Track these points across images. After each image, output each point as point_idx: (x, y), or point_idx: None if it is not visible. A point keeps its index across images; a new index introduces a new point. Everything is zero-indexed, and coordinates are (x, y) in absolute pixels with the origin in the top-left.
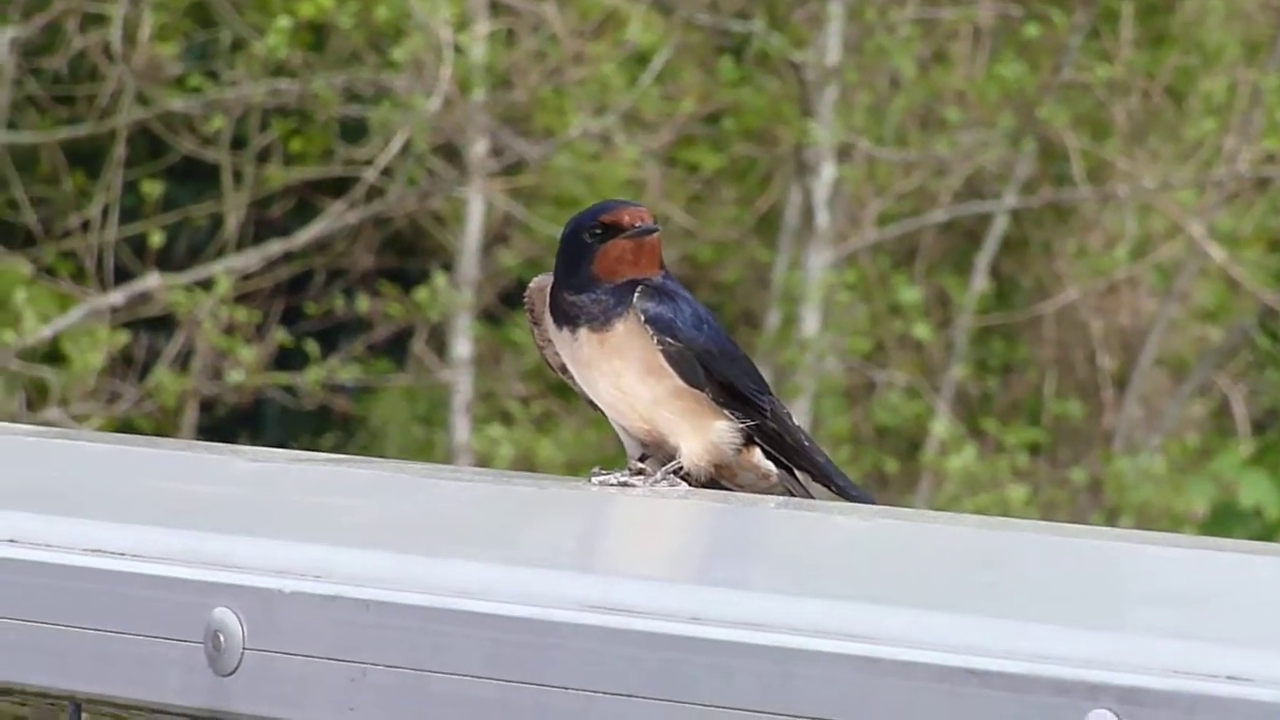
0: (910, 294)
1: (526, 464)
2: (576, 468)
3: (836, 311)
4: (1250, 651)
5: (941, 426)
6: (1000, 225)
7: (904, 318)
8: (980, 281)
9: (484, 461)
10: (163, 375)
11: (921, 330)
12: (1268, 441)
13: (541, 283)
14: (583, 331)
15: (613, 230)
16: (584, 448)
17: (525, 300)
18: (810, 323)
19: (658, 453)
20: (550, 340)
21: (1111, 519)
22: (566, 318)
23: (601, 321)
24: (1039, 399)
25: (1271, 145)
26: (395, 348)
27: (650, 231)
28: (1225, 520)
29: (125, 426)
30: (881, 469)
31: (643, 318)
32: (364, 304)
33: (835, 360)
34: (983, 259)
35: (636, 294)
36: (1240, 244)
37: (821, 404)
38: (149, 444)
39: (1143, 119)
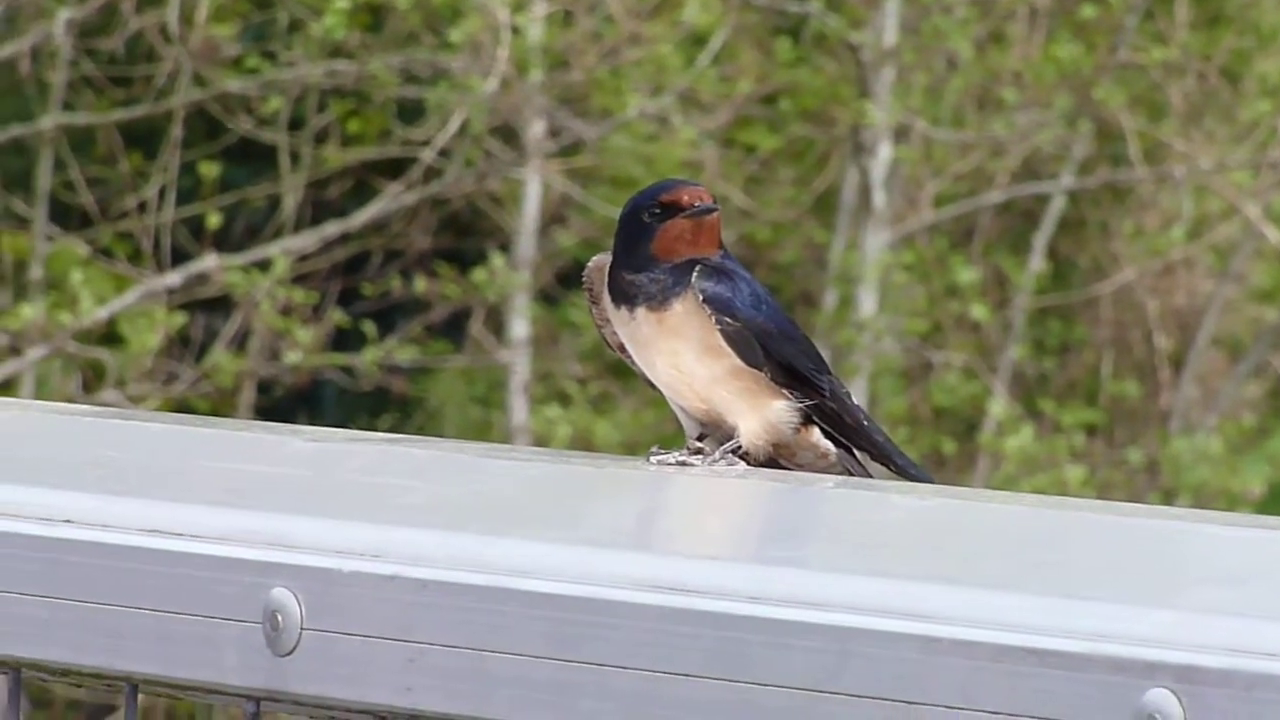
0: (967, 274)
1: (584, 444)
2: (634, 448)
3: (893, 292)
4: None
5: (999, 407)
6: (1057, 206)
7: (961, 298)
8: (1037, 262)
9: (541, 442)
10: (220, 356)
11: (979, 311)
12: None
13: (600, 262)
14: (640, 311)
15: (671, 209)
16: (641, 428)
17: (584, 279)
18: (867, 303)
19: (716, 432)
20: (608, 319)
21: (1168, 499)
22: (624, 297)
23: (659, 301)
24: (1096, 379)
25: None
26: (452, 329)
27: (709, 211)
28: None
29: (182, 407)
30: (939, 450)
31: (701, 297)
32: (421, 285)
33: (892, 341)
34: (1040, 239)
35: (695, 273)
36: None
37: (878, 384)
38: (206, 424)
39: (1198, 100)
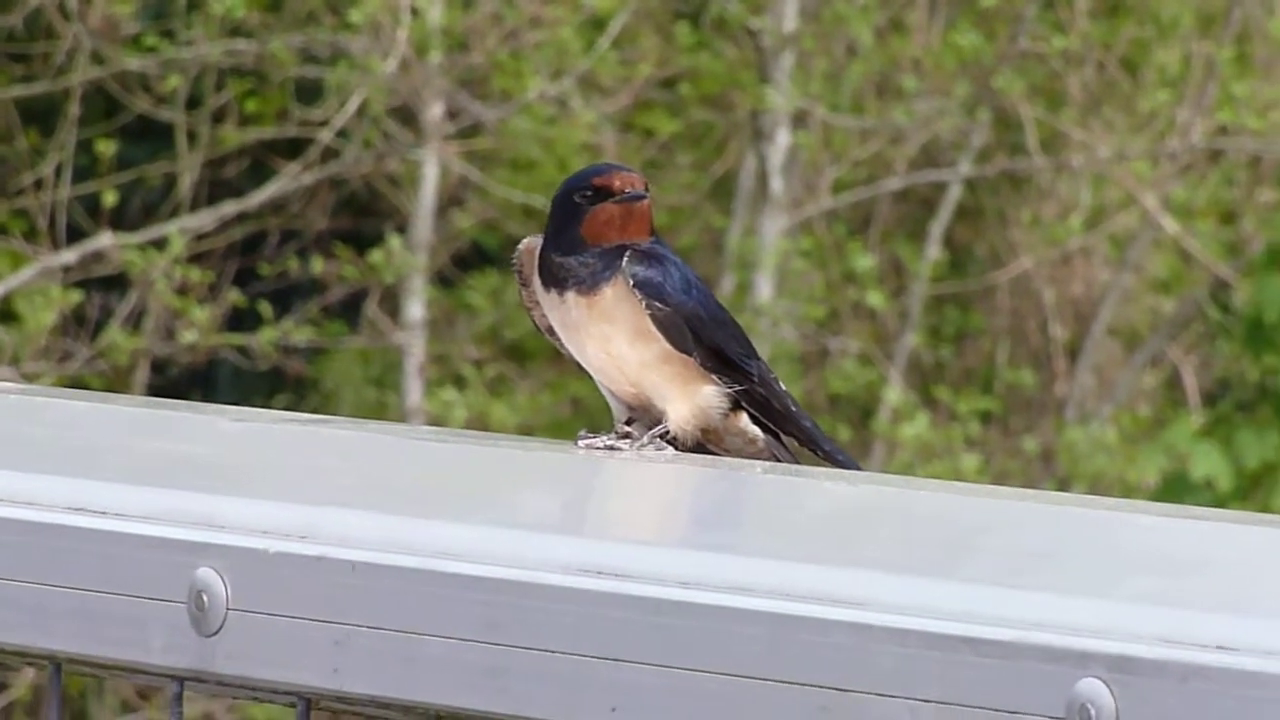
0: (864, 261)
1: (479, 427)
2: (529, 431)
3: (791, 278)
4: (1240, 620)
5: (895, 394)
6: (955, 194)
7: (858, 285)
8: (934, 250)
9: (437, 424)
10: (115, 334)
11: (875, 298)
12: (1219, 413)
13: (530, 244)
14: (570, 294)
15: (603, 193)
16: (537, 411)
17: (514, 261)
18: (764, 289)
19: (644, 416)
20: (538, 302)
21: (1063, 488)
22: (554, 280)
23: (590, 285)
24: (992, 368)
25: (1225, 117)
26: (349, 310)
27: (640, 198)
28: (1176, 492)
29: (77, 385)
30: (834, 437)
31: (631, 282)
32: (318, 265)
33: (789, 327)
34: (937, 227)
35: (625, 258)
36: (1193, 216)
37: (775, 370)
38: (133, 402)
39: (1098, 90)
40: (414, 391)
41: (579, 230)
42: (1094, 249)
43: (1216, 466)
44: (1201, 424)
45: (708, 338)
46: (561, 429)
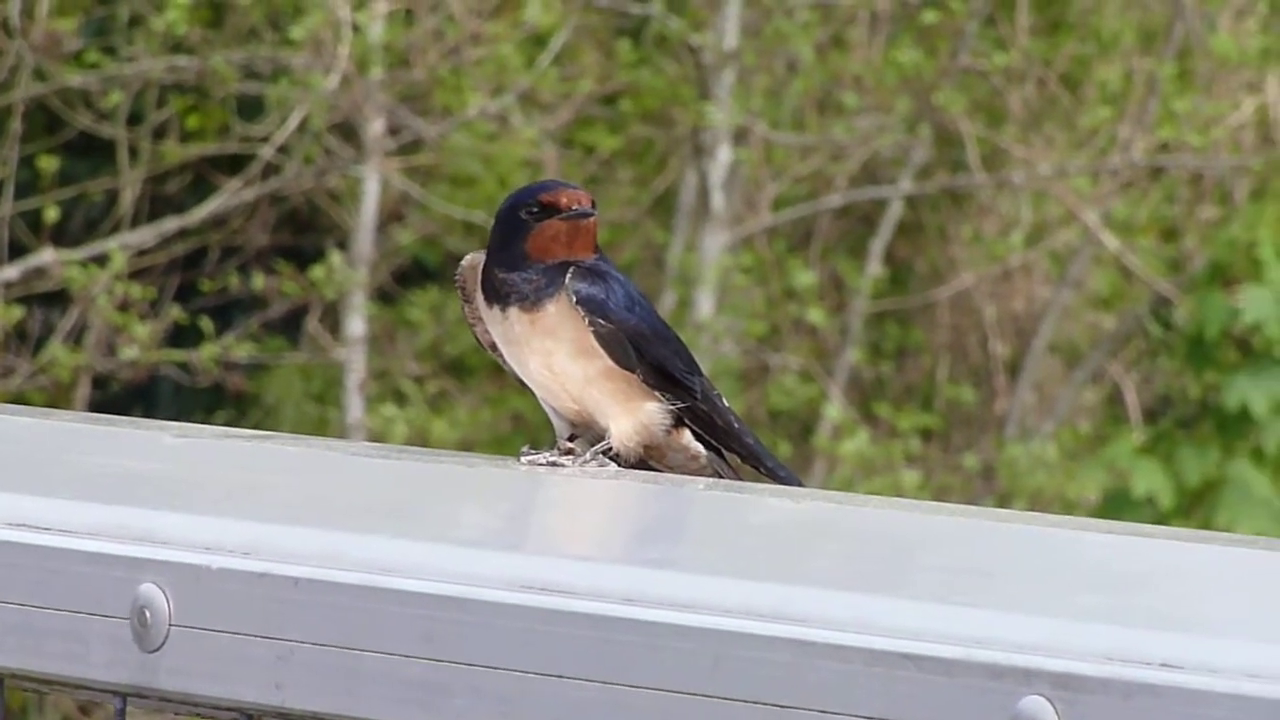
0: (805, 278)
1: (420, 443)
2: (470, 447)
3: (732, 294)
4: (1184, 638)
5: (835, 410)
6: (896, 210)
7: (799, 301)
8: (875, 266)
9: (378, 439)
10: (57, 350)
11: (816, 314)
12: (1160, 430)
13: (474, 260)
14: (514, 310)
15: (549, 210)
16: (478, 427)
17: (457, 277)
18: (705, 305)
19: (587, 433)
20: (480, 318)
21: (1003, 504)
22: (498, 296)
23: (533, 301)
24: (932, 384)
25: (1166, 134)
26: (290, 325)
27: (586, 215)
28: (1118, 508)
29: (18, 400)
30: (775, 452)
31: (574, 298)
32: (259, 281)
33: (730, 343)
34: (878, 244)
35: (569, 275)
36: (1134, 232)
37: (717, 386)
38: (75, 418)
39: (1038, 106)
40: (355, 407)
41: (524, 246)
42: (1035, 265)
43: (1158, 483)
44: (1143, 441)
45: (651, 354)
46: (503, 445)
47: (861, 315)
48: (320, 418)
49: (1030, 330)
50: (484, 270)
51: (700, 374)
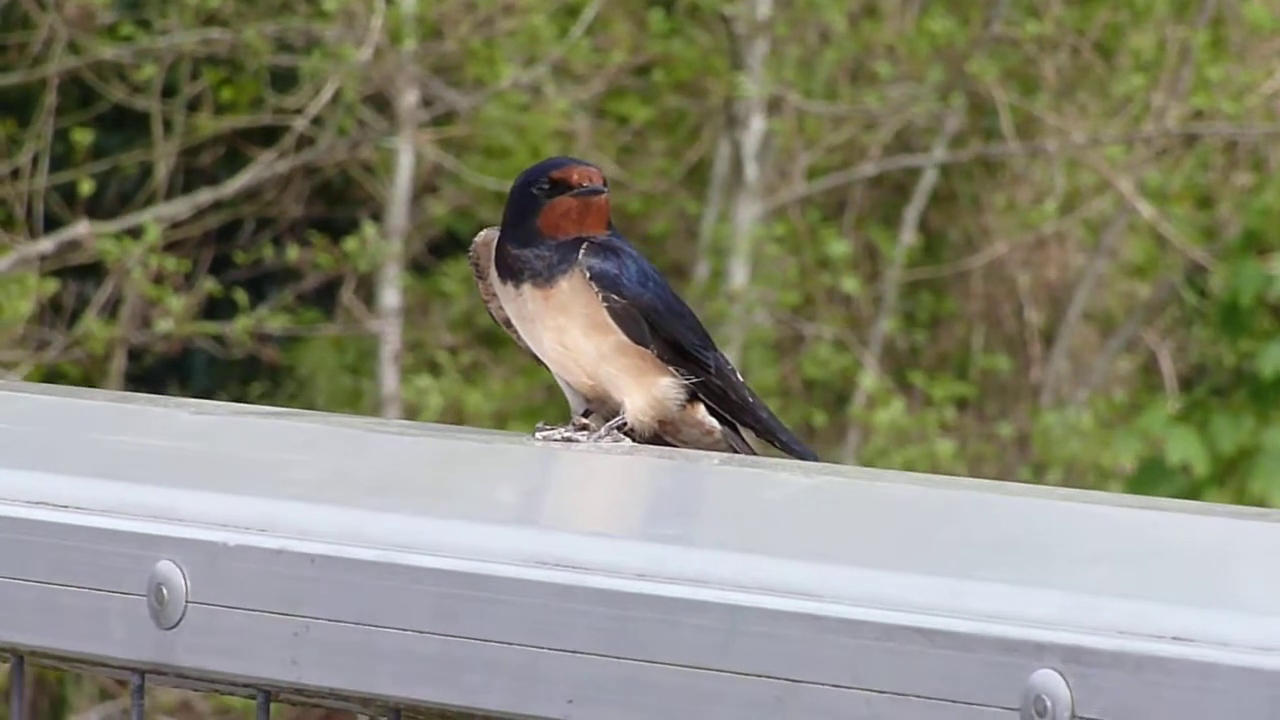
0: (839, 247)
1: (455, 414)
2: (504, 418)
3: (765, 264)
4: (1194, 611)
5: (869, 380)
6: (929, 179)
7: (832, 271)
8: (909, 235)
9: (412, 411)
10: (91, 323)
11: (850, 283)
12: (1194, 398)
13: (487, 236)
14: (527, 287)
15: (561, 186)
16: (512, 398)
17: (470, 254)
18: (739, 275)
19: (601, 408)
20: (494, 294)
21: (1038, 473)
22: (511, 272)
23: (546, 277)
24: (967, 353)
25: (1200, 102)
26: (324, 297)
27: (597, 192)
28: (1152, 476)
29: (53, 373)
30: (809, 422)
31: (588, 274)
32: (293, 253)
33: (764, 313)
34: (911, 213)
35: (582, 250)
36: (1168, 200)
37: (750, 356)
38: (94, 396)
39: (1072, 74)
40: (389, 379)
41: (536, 222)
42: (1069, 234)
43: (1192, 451)
44: (1177, 409)
45: (664, 330)
46: (536, 415)
47: (895, 284)
48: (354, 389)
49: (1065, 298)
50: (498, 247)
51: (714, 348)
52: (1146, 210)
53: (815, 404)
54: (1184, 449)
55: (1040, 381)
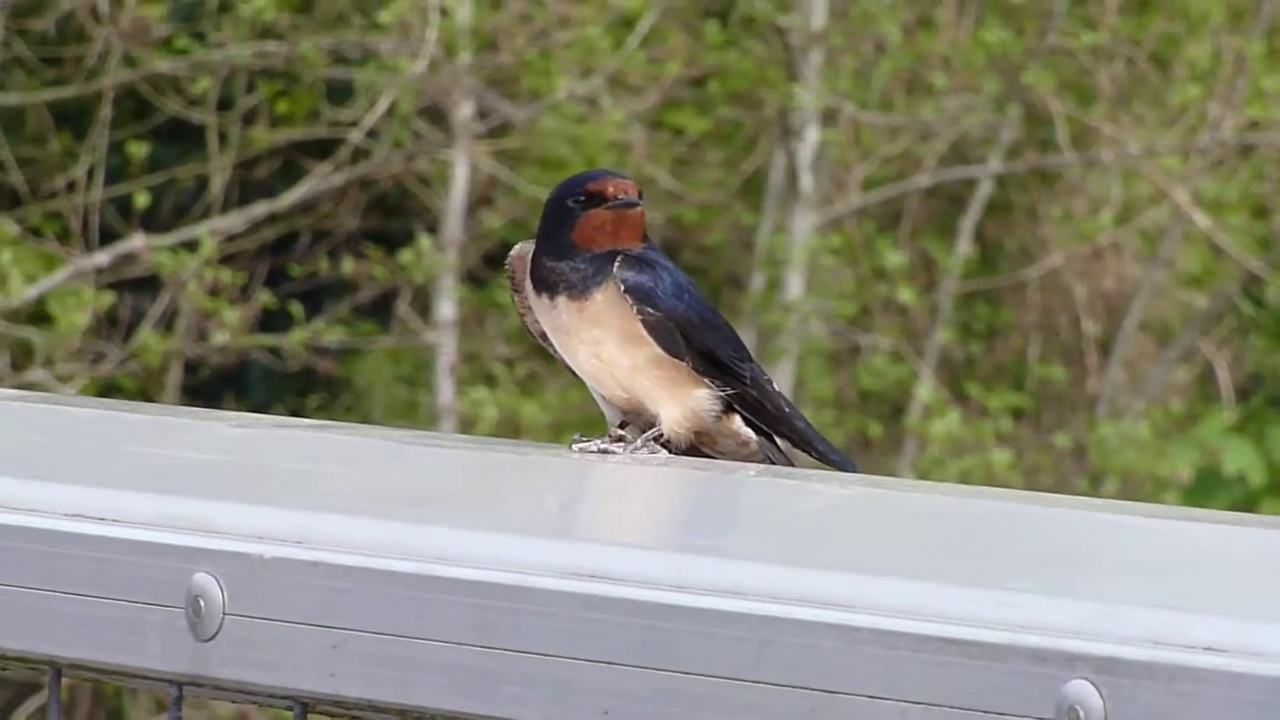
0: (895, 258)
1: (511, 425)
2: (560, 429)
3: (821, 275)
4: (1227, 622)
5: (925, 390)
6: (985, 190)
7: (888, 282)
8: (965, 246)
9: (468, 423)
10: (147, 336)
11: (906, 294)
12: (1251, 408)
13: (523, 250)
14: (562, 299)
15: (596, 199)
16: (568, 409)
17: (506, 267)
18: (794, 286)
19: (637, 420)
20: (530, 307)
21: (1095, 483)
22: (546, 285)
23: (581, 290)
24: (1023, 363)
25: (1255, 112)
26: (380, 309)
27: (631, 205)
28: (1209, 486)
29: (110, 387)
30: (865, 433)
31: (622, 287)
32: (348, 266)
33: (819, 324)
34: (967, 223)
35: (617, 263)
36: (1224, 210)
37: (805, 367)
38: (132, 409)
39: (1127, 85)
40: (445, 390)
41: (571, 235)
42: (1125, 244)
43: (1249, 461)
44: (1234, 419)
45: (699, 341)
46: (592, 426)
47: (951, 295)
48: (410, 401)
49: (1121, 309)
50: (533, 259)
51: (750, 359)
52: (1202, 220)
53: (871, 415)
54: (1240, 459)
55: (1097, 392)
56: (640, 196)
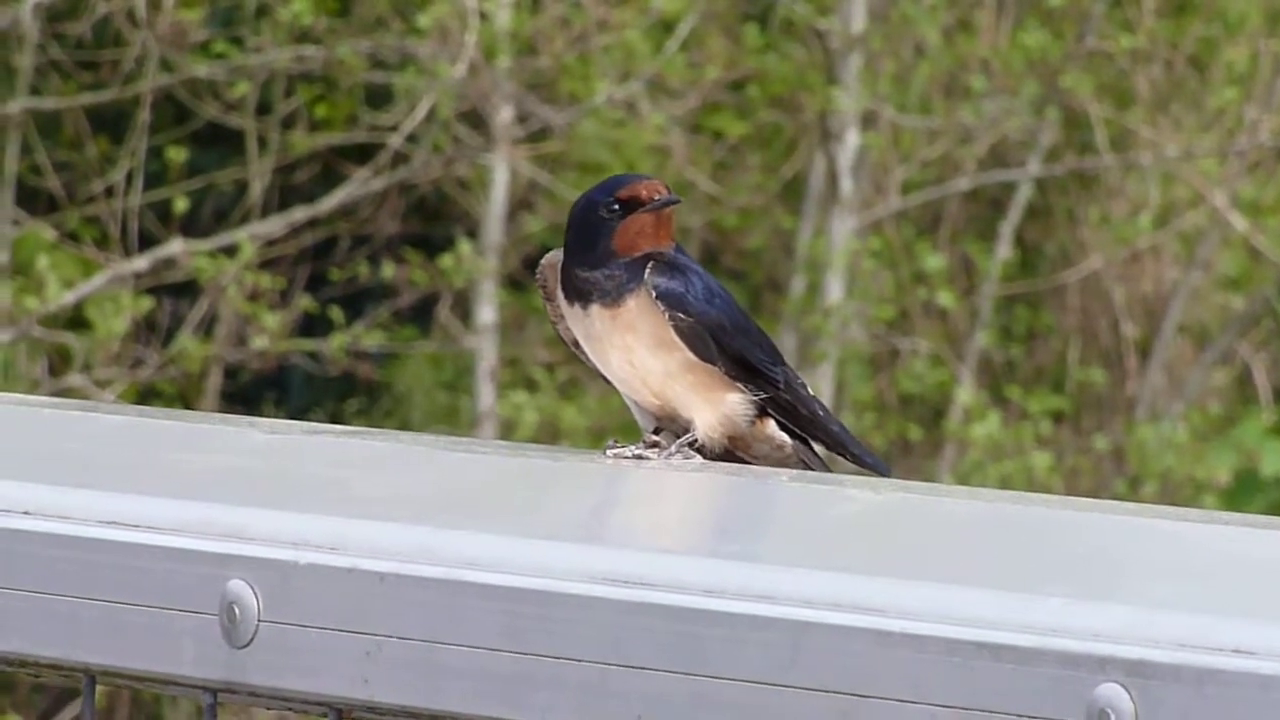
0: (934, 261)
1: (551, 430)
2: (600, 434)
3: (861, 279)
4: (1256, 625)
5: (965, 394)
6: (1024, 193)
7: (928, 285)
8: (1004, 249)
9: (508, 428)
10: (186, 341)
11: (946, 298)
12: None
13: (553, 259)
14: (594, 307)
15: (631, 205)
16: (608, 413)
17: (538, 276)
18: (834, 290)
19: (671, 426)
20: (563, 315)
21: (1134, 487)
22: (578, 294)
23: (613, 297)
24: (1063, 367)
25: None
26: (420, 314)
27: (671, 203)
28: (1247, 489)
29: (149, 392)
30: (905, 436)
31: (654, 293)
32: (388, 270)
33: (859, 327)
34: (1007, 227)
35: (648, 269)
36: (1263, 213)
37: (845, 371)
38: (166, 415)
39: (1165, 88)
40: (486, 395)
41: (609, 243)
42: (1163, 247)
43: None
44: (1272, 421)
45: (731, 346)
46: (631, 431)
47: (991, 298)
48: (451, 406)
49: (1160, 312)
50: (563, 269)
51: (783, 363)
52: (1240, 223)
53: (911, 419)
54: (1278, 461)
55: (1136, 395)
56: (671, 192)
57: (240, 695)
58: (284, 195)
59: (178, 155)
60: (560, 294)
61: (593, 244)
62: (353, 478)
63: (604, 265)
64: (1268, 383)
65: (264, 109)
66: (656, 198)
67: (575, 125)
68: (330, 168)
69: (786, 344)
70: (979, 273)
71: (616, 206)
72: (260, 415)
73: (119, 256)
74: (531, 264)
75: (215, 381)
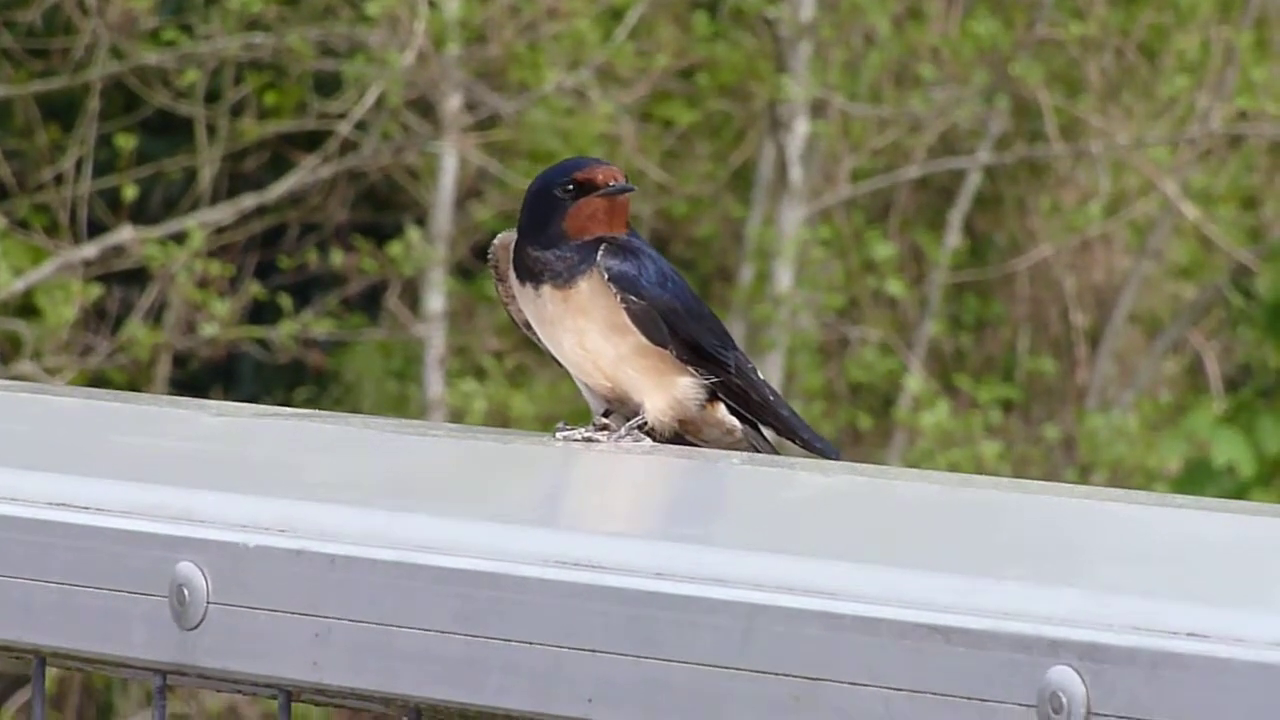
0: (884, 250)
1: (500, 418)
2: (550, 421)
3: (810, 267)
4: (1210, 609)
5: (915, 382)
6: (974, 181)
7: (877, 274)
8: (954, 238)
9: (458, 415)
10: (136, 328)
11: (895, 286)
12: (1240, 400)
13: (506, 239)
14: (546, 289)
15: (586, 188)
16: (557, 401)
17: (490, 257)
18: (784, 278)
19: (622, 409)
20: (514, 297)
21: (1084, 476)
22: (530, 275)
23: (565, 279)
24: (1012, 355)
25: (1245, 103)
26: (369, 302)
27: (625, 190)
28: (1198, 478)
29: (98, 379)
30: (855, 425)
31: (606, 275)
32: (337, 258)
33: (809, 316)
34: (956, 215)
35: (600, 251)
36: (1214, 202)
37: (795, 360)
38: (115, 398)
39: (1116, 76)
40: (435, 383)
41: (561, 225)
42: (1114, 236)
43: (1238, 453)
44: (1223, 410)
45: (683, 330)
46: (582, 418)
47: (941, 287)
48: (400, 394)
49: (1110, 301)
50: (516, 249)
51: (734, 348)
52: (1191, 212)
53: (861, 407)
54: (1230, 450)
55: (1086, 384)
56: (628, 181)
57: (190, 677)
58: (233, 182)
59: (127, 143)
60: (512, 275)
61: (545, 224)
62: (303, 461)
63: (556, 246)
64: (1219, 372)
65: (213, 96)
66: (612, 183)
67: (525, 113)
68: (279, 155)
69: (736, 332)
70: (928, 261)
71: (571, 187)
72: (204, 400)
73: (68, 244)
74: (481, 252)
75: (165, 369)
